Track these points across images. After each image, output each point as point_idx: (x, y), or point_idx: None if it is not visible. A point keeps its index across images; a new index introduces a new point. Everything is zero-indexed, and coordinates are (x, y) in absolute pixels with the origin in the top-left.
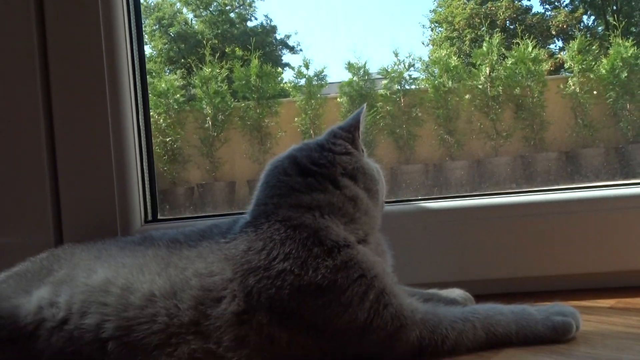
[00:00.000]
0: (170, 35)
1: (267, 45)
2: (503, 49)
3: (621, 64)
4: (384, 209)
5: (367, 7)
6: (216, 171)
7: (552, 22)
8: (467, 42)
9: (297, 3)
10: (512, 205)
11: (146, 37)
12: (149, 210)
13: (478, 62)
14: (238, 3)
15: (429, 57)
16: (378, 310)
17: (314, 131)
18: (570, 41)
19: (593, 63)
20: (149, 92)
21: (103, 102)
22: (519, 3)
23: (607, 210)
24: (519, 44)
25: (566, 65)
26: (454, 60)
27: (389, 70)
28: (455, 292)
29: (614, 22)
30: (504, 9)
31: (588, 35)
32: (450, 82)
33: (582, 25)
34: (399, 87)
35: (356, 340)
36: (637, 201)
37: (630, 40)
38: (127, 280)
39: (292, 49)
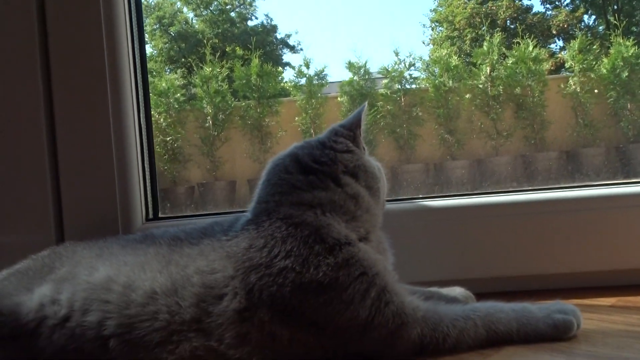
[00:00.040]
0: (170, 34)
1: (267, 44)
2: (504, 49)
3: (622, 64)
4: (385, 207)
5: (368, 7)
6: (217, 170)
7: (552, 21)
8: (468, 42)
9: (298, 2)
10: (513, 203)
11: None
12: (150, 209)
13: (478, 62)
14: (238, 2)
15: (430, 57)
16: (379, 308)
17: (314, 130)
18: (571, 41)
19: (594, 62)
20: (149, 91)
21: (104, 101)
22: (520, 2)
23: (608, 208)
24: (519, 44)
25: (567, 65)
26: (454, 60)
27: (389, 69)
28: (456, 291)
29: (615, 22)
30: (504, 9)
31: (589, 35)
32: (450, 82)
33: (582, 24)
34: (400, 87)
35: (357, 338)
36: (638, 200)
37: (631, 40)
38: (128, 278)
39: (292, 49)
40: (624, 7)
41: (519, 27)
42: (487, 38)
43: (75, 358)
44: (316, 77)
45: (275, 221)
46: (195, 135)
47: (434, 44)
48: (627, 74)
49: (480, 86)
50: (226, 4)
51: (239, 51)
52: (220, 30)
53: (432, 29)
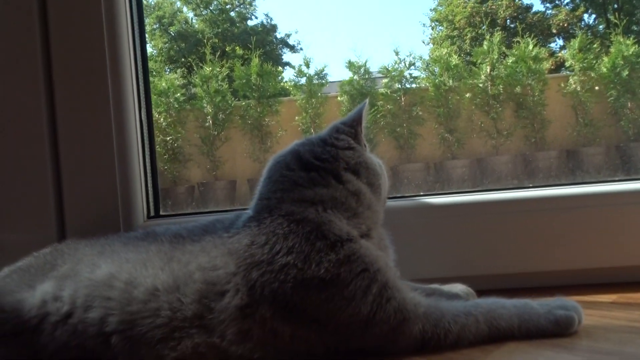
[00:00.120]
0: (170, 34)
1: (267, 44)
2: (504, 48)
3: (622, 63)
4: (386, 204)
5: (368, 6)
6: (217, 170)
7: (552, 20)
8: (468, 41)
9: (298, 2)
10: (514, 200)
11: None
12: (152, 206)
13: (479, 61)
14: (238, 2)
15: (430, 56)
16: (381, 304)
17: (314, 130)
18: (571, 39)
19: (594, 61)
20: (150, 90)
21: (105, 99)
22: (520, 2)
23: (609, 205)
24: (519, 43)
25: (567, 64)
26: (454, 59)
27: (389, 69)
28: (458, 287)
29: (615, 21)
30: (504, 8)
31: (589, 34)
32: (450, 81)
33: (582, 23)
34: (400, 86)
35: (359, 334)
36: (639, 197)
37: (631, 39)
38: (130, 275)
39: (292, 48)
40: (624, 5)
41: (519, 26)
42: (487, 37)
43: (77, 354)
44: (316, 77)
45: (277, 218)
46: (196, 135)
47: (434, 43)
48: (627, 72)
49: (481, 85)
50: (226, 4)
51: (239, 51)
52: (220, 30)
53: (432, 28)
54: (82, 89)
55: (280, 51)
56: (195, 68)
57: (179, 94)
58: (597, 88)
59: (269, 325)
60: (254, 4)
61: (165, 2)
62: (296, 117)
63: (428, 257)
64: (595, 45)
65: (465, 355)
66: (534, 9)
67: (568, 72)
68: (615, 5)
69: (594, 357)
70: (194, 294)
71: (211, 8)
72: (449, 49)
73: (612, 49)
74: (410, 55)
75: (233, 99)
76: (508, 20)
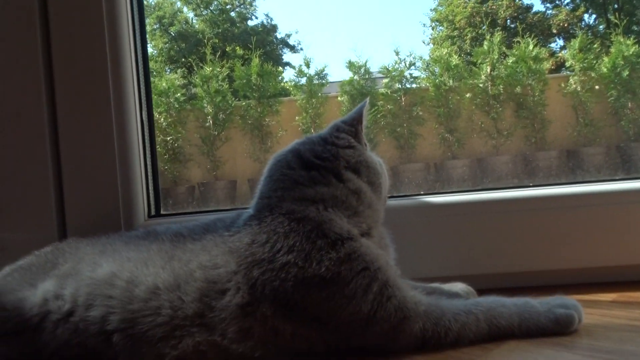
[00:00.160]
0: (170, 34)
1: (267, 44)
2: (504, 48)
3: (622, 63)
4: (387, 203)
5: (368, 6)
6: (217, 170)
7: (553, 20)
8: (468, 41)
9: (298, 2)
10: (514, 199)
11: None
12: (152, 205)
13: (479, 61)
14: (238, 2)
15: (430, 56)
16: (381, 302)
17: (314, 130)
18: (572, 40)
19: (594, 61)
20: (151, 90)
21: (106, 99)
22: (520, 2)
23: (609, 204)
24: (519, 43)
25: (567, 64)
26: (454, 59)
27: (389, 69)
28: (458, 286)
29: (615, 21)
30: (504, 8)
31: (589, 34)
32: (451, 81)
33: (583, 23)
34: (400, 86)
35: (360, 332)
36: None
37: (631, 39)
38: (131, 273)
39: (292, 48)
40: (624, 5)
41: (519, 26)
42: (488, 37)
43: (79, 353)
44: (316, 77)
45: (278, 216)
46: (196, 135)
47: (434, 44)
48: (627, 72)
49: (481, 85)
50: (226, 4)
51: (239, 51)
52: (220, 30)
53: (433, 29)
54: (83, 88)
55: (280, 51)
56: (195, 68)
57: (179, 94)
58: (597, 87)
59: (269, 323)
60: (254, 4)
61: (165, 2)
62: (296, 117)
63: (428, 256)
64: (595, 46)
65: (465, 353)
66: (534, 9)
67: (568, 72)
68: (616, 5)
69: (594, 356)
70: (194, 292)
71: (211, 8)
72: (449, 49)
73: (612, 49)
74: (411, 55)
75: (233, 99)
76: (508, 21)
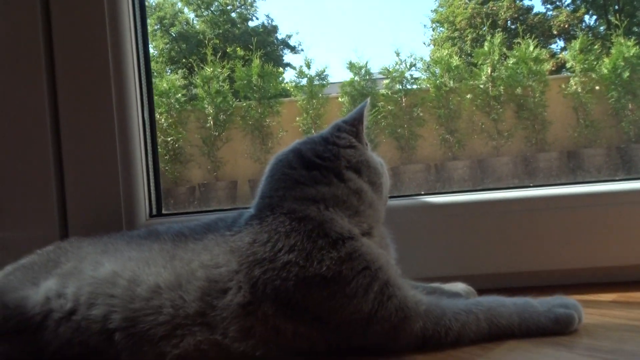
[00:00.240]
0: (171, 35)
1: (268, 45)
2: (504, 49)
3: (623, 64)
4: (388, 203)
5: (369, 7)
6: (218, 171)
7: (553, 21)
8: (469, 42)
9: (299, 3)
10: (515, 200)
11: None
12: (154, 205)
13: (479, 62)
14: (239, 3)
15: (431, 57)
16: (382, 302)
17: (315, 131)
18: (572, 41)
19: (595, 63)
20: (153, 90)
21: (108, 99)
22: (521, 3)
23: (609, 205)
24: (520, 44)
25: (568, 65)
26: (455, 60)
27: (390, 69)
28: (458, 286)
29: (616, 22)
30: (505, 9)
31: (590, 35)
32: (451, 82)
33: (583, 24)
34: (401, 87)
35: (360, 332)
36: (639, 196)
37: (632, 40)
38: (133, 272)
39: (293, 49)
40: (625, 7)
41: (519, 27)
42: (488, 38)
43: (81, 351)
44: (317, 78)
45: (279, 216)
46: (196, 136)
47: (434, 45)
48: (628, 74)
49: (481, 86)
50: (227, 5)
51: (240, 52)
52: (221, 31)
53: (433, 30)
54: (85, 88)
55: (281, 52)
56: (196, 69)
57: (180, 95)
58: (597, 89)
59: (271, 322)
60: (255, 5)
61: (166, 3)
62: (297, 118)
63: (429, 256)
64: (596, 47)
65: (466, 352)
66: (535, 10)
67: (569, 74)
68: (616, 7)
69: (594, 355)
70: (196, 291)
71: (212, 9)
72: (449, 50)
73: (612, 50)
74: (411, 56)
75: (234, 99)
76: (509, 22)
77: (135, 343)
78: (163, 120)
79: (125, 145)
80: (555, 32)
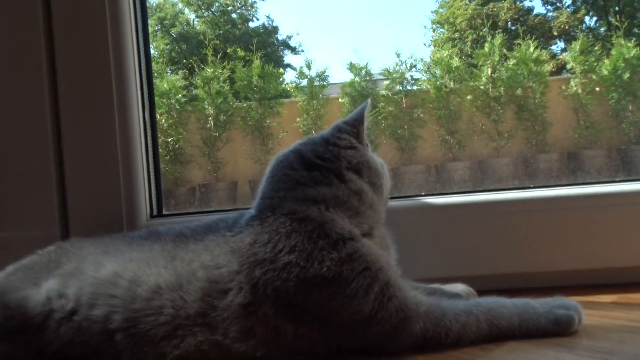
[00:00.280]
0: (172, 35)
1: (268, 45)
2: (505, 50)
3: (623, 65)
4: (388, 204)
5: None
6: (218, 171)
7: (553, 23)
8: (469, 43)
9: (299, 4)
10: (515, 201)
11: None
12: (155, 206)
13: (480, 63)
14: (240, 4)
15: (431, 58)
16: (383, 303)
17: (315, 131)
18: (572, 42)
19: (595, 64)
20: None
21: (110, 99)
22: (521, 4)
23: (609, 206)
24: (520, 45)
25: (568, 66)
26: (455, 61)
27: (390, 70)
28: (458, 287)
29: (616, 23)
30: (505, 10)
31: (590, 36)
32: (451, 83)
33: (584, 26)
34: (401, 88)
35: (361, 332)
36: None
37: (632, 41)
38: (134, 273)
39: (293, 50)
40: (625, 8)
41: (520, 28)
42: (488, 39)
43: (82, 351)
44: (317, 78)
45: (280, 217)
46: (197, 136)
47: (435, 46)
48: (628, 75)
49: (482, 87)
50: (227, 5)
51: (240, 52)
52: (221, 32)
53: (434, 31)
54: (86, 89)
55: (281, 53)
56: (196, 69)
57: (180, 96)
58: (598, 90)
59: (271, 323)
60: (255, 5)
61: (166, 4)
62: (297, 119)
63: (429, 257)
64: (596, 48)
65: (466, 353)
66: (535, 12)
67: (569, 75)
68: (617, 8)
69: (594, 357)
70: (197, 292)
71: (213, 10)
72: (450, 51)
73: (613, 52)
74: (412, 57)
75: (234, 100)
76: (509, 23)
77: (136, 343)
78: (163, 120)
79: (126, 146)
80: (555, 33)
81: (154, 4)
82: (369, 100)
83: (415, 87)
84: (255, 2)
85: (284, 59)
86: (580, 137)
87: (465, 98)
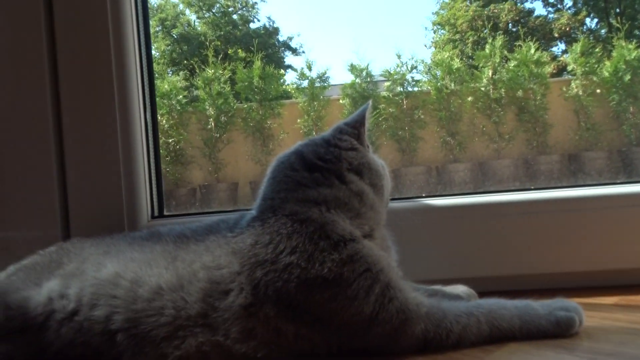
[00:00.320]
0: (173, 36)
1: (269, 47)
2: (505, 52)
3: (624, 67)
4: (389, 205)
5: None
6: (219, 172)
7: (554, 24)
8: (470, 45)
9: (300, 5)
10: (516, 202)
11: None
12: (156, 206)
13: (480, 65)
14: (241, 5)
15: (432, 59)
16: (383, 304)
17: (316, 133)
18: (573, 44)
19: (596, 65)
20: (155, 92)
21: (111, 100)
22: (522, 5)
23: (610, 208)
24: (521, 47)
25: (569, 68)
26: (456, 63)
27: (391, 72)
28: (459, 289)
29: (617, 25)
30: (506, 12)
31: (591, 38)
32: (452, 84)
33: (585, 27)
34: (402, 89)
35: (362, 334)
36: None
37: (633, 43)
38: (135, 274)
39: (294, 51)
40: (626, 10)
41: (521, 30)
42: (489, 41)
43: (83, 352)
44: (318, 80)
45: (281, 218)
46: (198, 137)
47: (436, 47)
48: (629, 77)
49: (482, 89)
50: (228, 7)
51: (241, 53)
52: (222, 33)
53: (434, 32)
54: (87, 90)
55: (282, 54)
56: (197, 70)
57: (181, 96)
58: (598, 92)
59: (272, 324)
60: (256, 6)
61: (167, 5)
62: (298, 120)
63: (430, 258)
64: (597, 50)
65: (466, 355)
66: (536, 13)
67: (570, 76)
68: (617, 10)
69: (595, 358)
70: (198, 292)
71: (214, 11)
72: (451, 52)
73: (614, 53)
74: (412, 58)
75: (235, 101)
76: (510, 24)
77: (137, 344)
78: (164, 121)
79: (127, 147)
80: (556, 35)
81: (155, 5)
82: (370, 102)
83: (416, 89)
84: (256, 3)
85: (285, 60)
86: (581, 138)
87: (466, 99)
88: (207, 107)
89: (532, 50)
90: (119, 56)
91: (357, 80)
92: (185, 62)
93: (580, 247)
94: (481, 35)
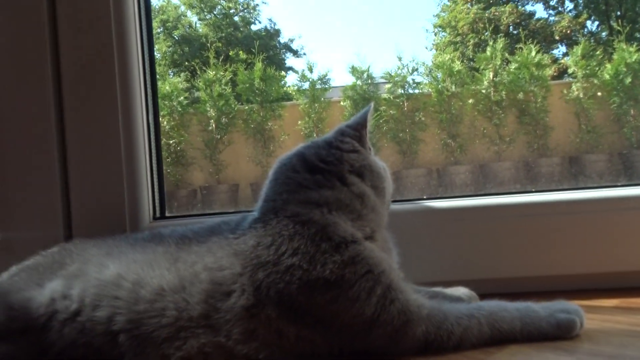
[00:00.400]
0: (174, 38)
1: (270, 48)
2: (506, 54)
3: (625, 69)
4: (390, 207)
5: (371, 11)
6: (219, 174)
7: (555, 27)
8: (471, 47)
9: (301, 7)
10: (517, 205)
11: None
12: (157, 208)
13: (481, 67)
14: (242, 6)
15: (433, 62)
16: (385, 306)
17: (317, 134)
18: (574, 46)
19: (597, 68)
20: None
21: (114, 101)
22: (523, 8)
23: (611, 210)
24: (522, 49)
25: (570, 71)
26: (457, 65)
27: (392, 74)
28: (460, 291)
29: (618, 27)
30: (507, 14)
31: (592, 41)
32: (453, 87)
33: (585, 30)
34: (403, 91)
35: (363, 335)
36: None
37: (634, 46)
38: (137, 275)
39: (295, 53)
40: (627, 12)
41: (522, 32)
42: (490, 43)
43: (85, 352)
44: (319, 82)
45: (283, 219)
46: (199, 139)
47: (437, 49)
48: (630, 79)
49: (483, 91)
50: (230, 8)
51: (243, 55)
52: (223, 34)
53: (435, 34)
54: (90, 91)
55: (283, 56)
56: (198, 72)
57: (182, 98)
58: (599, 94)
59: (274, 325)
60: (257, 8)
61: (169, 6)
62: (299, 122)
63: (431, 260)
64: (598, 52)
65: (467, 357)
66: (537, 16)
67: (571, 79)
68: (618, 12)
69: None
70: (200, 293)
71: (215, 12)
72: (451, 54)
73: (615, 56)
74: (413, 60)
75: (236, 103)
76: (511, 27)
77: (138, 345)
78: (165, 123)
79: (129, 148)
80: (557, 38)
81: (157, 7)
82: (372, 104)
83: (416, 91)
84: (257, 5)
85: (286, 62)
86: (581, 141)
87: (466, 102)
88: (208, 109)
89: (533, 53)
90: (121, 57)
91: (358, 82)
92: (186, 63)
93: (581, 250)
94: (482, 37)
